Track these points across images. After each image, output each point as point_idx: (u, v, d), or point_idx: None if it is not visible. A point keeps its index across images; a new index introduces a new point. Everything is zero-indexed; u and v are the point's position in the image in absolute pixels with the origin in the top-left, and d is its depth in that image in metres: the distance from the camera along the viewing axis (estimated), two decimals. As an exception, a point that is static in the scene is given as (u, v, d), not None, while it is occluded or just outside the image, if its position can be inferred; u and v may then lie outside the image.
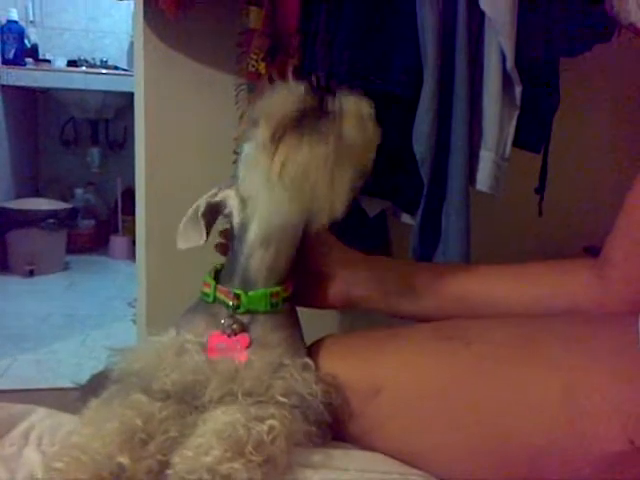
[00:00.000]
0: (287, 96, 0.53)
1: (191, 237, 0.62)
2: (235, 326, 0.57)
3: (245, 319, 0.58)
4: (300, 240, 0.61)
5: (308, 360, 0.56)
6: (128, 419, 0.45)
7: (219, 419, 0.47)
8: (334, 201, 0.52)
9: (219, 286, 0.59)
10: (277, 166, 0.51)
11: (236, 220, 0.60)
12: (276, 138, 0.52)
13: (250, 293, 0.58)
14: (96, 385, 0.52)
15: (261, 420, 0.47)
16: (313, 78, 0.55)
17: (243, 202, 0.59)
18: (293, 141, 0.52)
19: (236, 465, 0.42)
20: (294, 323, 0.62)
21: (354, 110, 0.54)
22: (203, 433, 0.45)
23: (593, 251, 1.07)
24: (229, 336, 0.56)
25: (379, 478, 0.47)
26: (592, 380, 0.42)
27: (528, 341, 0.48)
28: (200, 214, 0.62)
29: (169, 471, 0.43)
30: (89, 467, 0.41)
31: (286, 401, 0.50)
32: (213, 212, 0.63)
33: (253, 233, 0.58)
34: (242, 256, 0.59)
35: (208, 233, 0.62)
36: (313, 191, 0.52)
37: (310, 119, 0.52)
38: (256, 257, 0.58)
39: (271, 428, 0.46)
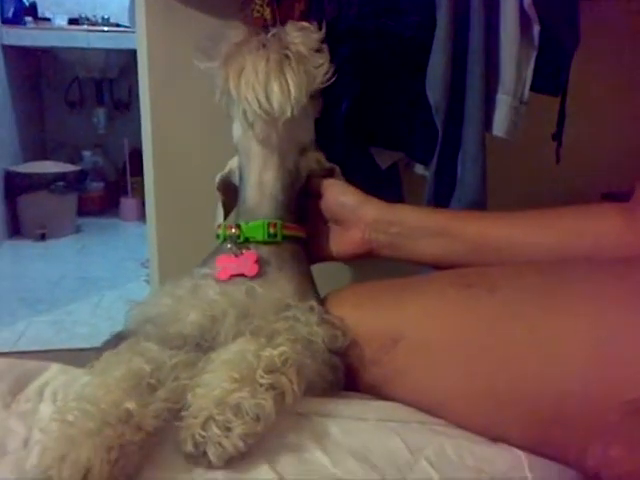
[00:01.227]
0: (233, 32, 0.62)
1: (218, 215, 0.70)
2: (243, 249, 0.60)
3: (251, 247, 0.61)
4: (297, 175, 0.65)
5: (314, 303, 0.55)
6: (135, 365, 0.45)
7: (229, 349, 0.47)
8: (289, 90, 0.58)
9: (228, 224, 0.63)
10: (232, 78, 0.59)
11: (237, 171, 0.66)
12: (228, 59, 0.60)
13: (250, 223, 0.61)
14: (114, 344, 0.52)
15: (273, 346, 0.47)
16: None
17: (238, 153, 0.65)
18: (241, 54, 0.59)
19: (243, 393, 0.42)
20: (303, 269, 0.62)
21: (295, 25, 0.62)
22: (214, 368, 0.45)
23: (612, 198, 1.05)
24: (236, 256, 0.59)
25: (398, 427, 0.47)
26: (623, 326, 0.41)
27: (554, 286, 0.47)
28: (216, 189, 0.69)
29: (184, 412, 0.43)
30: (96, 416, 0.40)
31: (294, 337, 0.50)
32: (229, 187, 0.69)
33: (245, 168, 0.64)
34: (243, 193, 0.64)
35: (228, 210, 0.70)
36: (266, 85, 0.58)
37: (254, 40, 0.61)
38: (252, 187, 0.62)
39: (282, 353, 0.46)
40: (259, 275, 0.57)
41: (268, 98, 0.58)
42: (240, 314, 0.52)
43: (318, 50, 0.61)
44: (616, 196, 0.99)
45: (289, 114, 0.58)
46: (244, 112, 0.60)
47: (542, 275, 0.49)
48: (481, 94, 0.73)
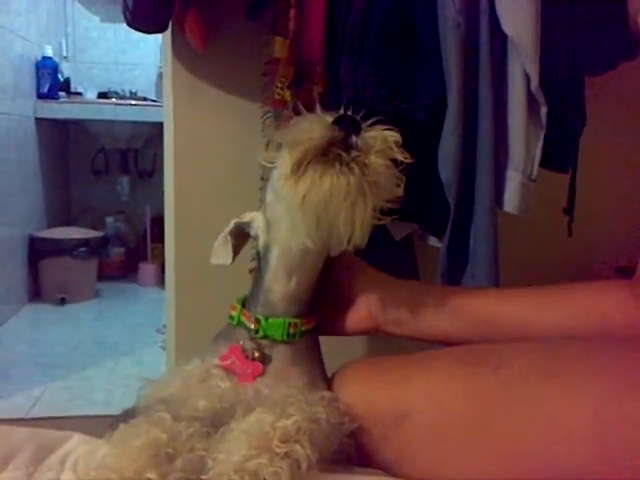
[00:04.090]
0: (313, 126, 0.54)
1: (221, 255, 0.63)
2: (257, 353, 0.58)
3: (267, 348, 0.59)
4: (322, 270, 0.62)
5: (324, 393, 0.56)
6: (153, 434, 0.46)
7: (248, 420, 0.48)
8: (354, 233, 0.53)
9: (244, 310, 0.61)
10: (300, 195, 0.52)
11: (261, 241, 0.62)
12: (299, 168, 0.53)
13: (270, 320, 0.59)
14: (124, 420, 0.53)
15: (286, 417, 0.48)
16: (342, 109, 0.56)
17: (268, 225, 0.60)
18: (317, 171, 0.52)
19: (262, 460, 0.43)
20: (315, 358, 0.62)
21: (381, 145, 0.55)
22: (234, 437, 0.47)
23: (625, 271, 1.06)
24: (246, 357, 0.58)
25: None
26: (624, 407, 0.41)
27: (556, 366, 0.47)
28: (228, 233, 0.63)
29: (203, 477, 0.44)
30: None
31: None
32: (242, 233, 0.64)
33: (275, 258, 0.60)
34: (265, 280, 0.60)
35: (236, 254, 0.64)
36: (333, 222, 0.52)
37: (335, 150, 0.53)
38: (278, 282, 0.60)
39: (295, 422, 0.47)
40: (268, 372, 0.57)
41: (329, 234, 0.54)
42: (248, 409, 0.53)
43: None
44: (629, 269, 1.00)
45: (339, 250, 0.56)
46: (293, 214, 0.55)
47: (546, 353, 0.50)
48: (491, 172, 0.76)
